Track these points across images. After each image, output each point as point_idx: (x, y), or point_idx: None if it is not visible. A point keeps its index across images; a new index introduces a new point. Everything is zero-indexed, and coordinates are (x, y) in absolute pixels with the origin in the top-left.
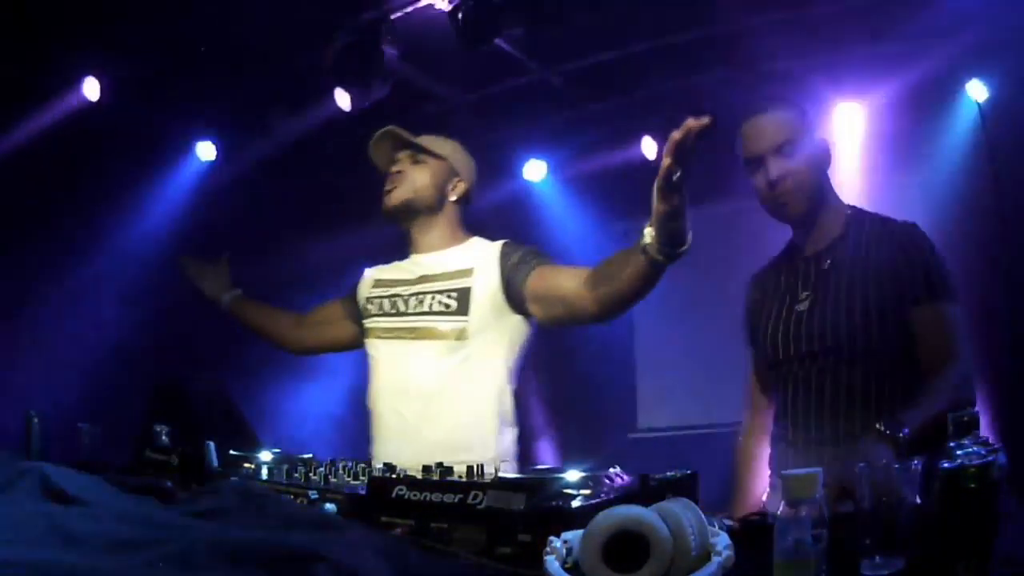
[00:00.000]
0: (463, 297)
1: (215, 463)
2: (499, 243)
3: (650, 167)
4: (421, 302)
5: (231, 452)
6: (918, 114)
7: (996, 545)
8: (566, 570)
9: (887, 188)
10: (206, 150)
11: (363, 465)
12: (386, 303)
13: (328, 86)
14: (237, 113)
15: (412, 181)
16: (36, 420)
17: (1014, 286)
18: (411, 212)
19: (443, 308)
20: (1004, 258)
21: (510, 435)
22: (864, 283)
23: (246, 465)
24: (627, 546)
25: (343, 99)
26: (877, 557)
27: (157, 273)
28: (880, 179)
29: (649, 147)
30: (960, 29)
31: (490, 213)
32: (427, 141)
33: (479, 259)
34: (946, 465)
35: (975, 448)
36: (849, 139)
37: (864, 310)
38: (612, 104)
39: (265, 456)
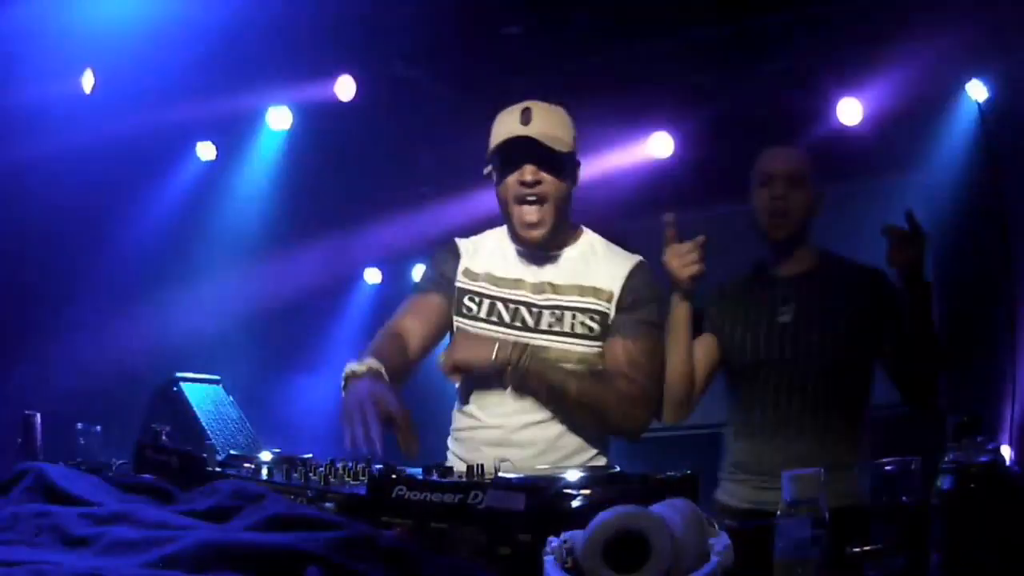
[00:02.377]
0: (604, 322)
1: (215, 463)
2: (628, 265)
3: (650, 167)
4: (559, 320)
5: (231, 452)
6: (918, 113)
7: (996, 545)
8: (566, 570)
9: (887, 188)
10: (206, 150)
11: (363, 465)
12: (502, 309)
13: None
14: (236, 112)
15: (554, 195)
16: (36, 420)
17: (1014, 286)
18: (553, 232)
19: (587, 332)
20: (1004, 258)
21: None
22: (839, 313)
23: (246, 465)
24: (627, 546)
25: (346, 89)
26: (877, 557)
27: (157, 272)
28: (880, 179)
29: (657, 144)
30: (960, 29)
31: (490, 213)
32: (550, 125)
33: (613, 281)
34: (946, 466)
35: (975, 448)
36: (848, 137)
37: (842, 334)
38: (612, 104)
39: (265, 456)
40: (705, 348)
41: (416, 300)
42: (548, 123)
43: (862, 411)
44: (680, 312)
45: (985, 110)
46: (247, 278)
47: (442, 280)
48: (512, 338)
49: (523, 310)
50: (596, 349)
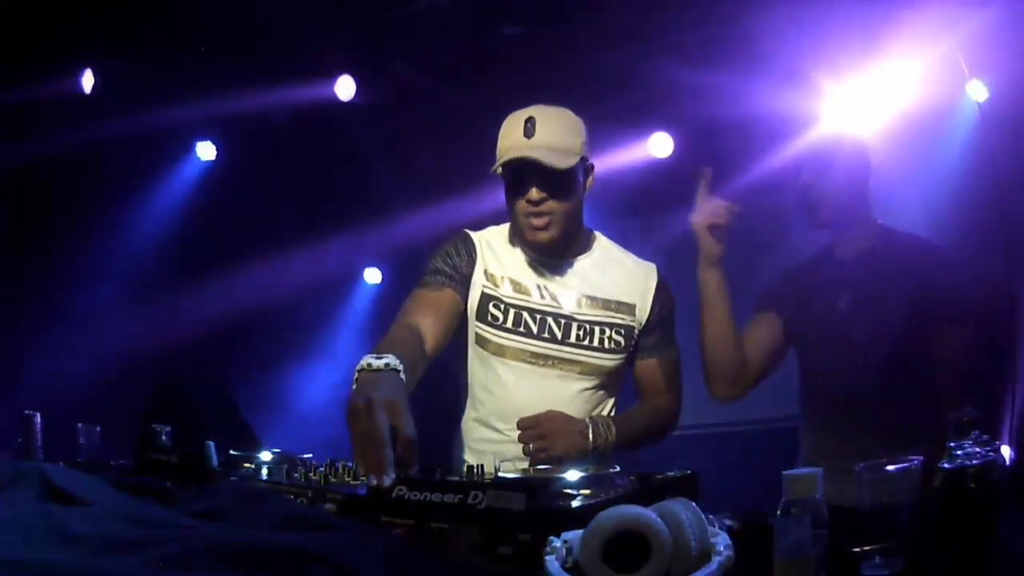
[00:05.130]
0: (629, 336)
1: (215, 463)
2: (654, 279)
3: (650, 168)
4: (589, 334)
5: (231, 452)
6: (918, 114)
7: (996, 545)
8: (566, 570)
9: (887, 188)
10: (206, 150)
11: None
12: (529, 320)
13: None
14: (237, 112)
15: (562, 211)
16: (36, 420)
17: (1014, 286)
18: (562, 238)
19: (614, 346)
20: (1005, 258)
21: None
22: (898, 295)
23: (246, 465)
24: (627, 546)
25: (345, 88)
26: (877, 557)
27: (157, 273)
28: (879, 179)
29: (658, 145)
30: (960, 28)
31: (490, 213)
32: (555, 135)
33: (637, 295)
34: (946, 465)
35: (975, 448)
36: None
37: (900, 318)
38: (612, 104)
39: (265, 456)
40: (768, 327)
41: (429, 295)
42: (553, 132)
43: (927, 397)
44: (713, 282)
45: (985, 110)
46: (247, 278)
47: (456, 275)
48: (542, 350)
49: (551, 321)
50: (619, 362)
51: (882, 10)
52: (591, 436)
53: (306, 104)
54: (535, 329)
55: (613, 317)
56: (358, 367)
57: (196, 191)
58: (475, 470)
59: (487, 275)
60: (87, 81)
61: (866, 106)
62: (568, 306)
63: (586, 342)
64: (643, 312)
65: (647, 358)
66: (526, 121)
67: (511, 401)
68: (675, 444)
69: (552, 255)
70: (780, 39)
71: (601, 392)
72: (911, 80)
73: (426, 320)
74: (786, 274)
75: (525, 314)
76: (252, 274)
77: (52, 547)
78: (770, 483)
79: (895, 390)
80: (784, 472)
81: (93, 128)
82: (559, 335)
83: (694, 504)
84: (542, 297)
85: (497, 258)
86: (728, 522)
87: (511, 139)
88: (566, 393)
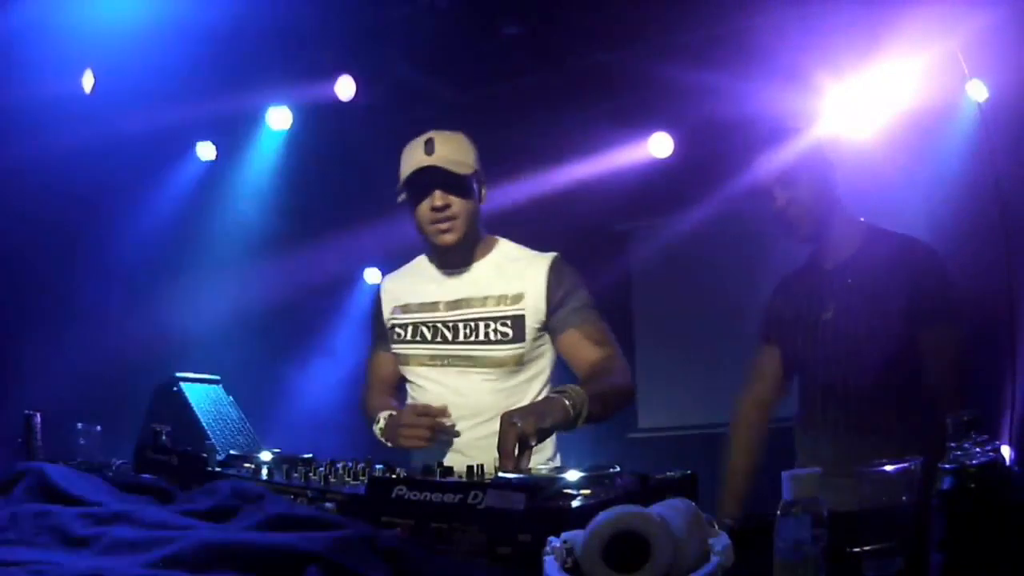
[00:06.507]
0: (518, 325)
1: (215, 463)
2: (545, 265)
3: (650, 168)
4: (475, 330)
5: (231, 452)
6: (918, 114)
7: (995, 545)
8: (566, 570)
9: (887, 188)
10: (206, 150)
11: (363, 465)
12: (424, 330)
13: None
14: (238, 112)
15: (464, 213)
16: (36, 420)
17: (1014, 287)
18: (465, 241)
19: (501, 337)
20: (1005, 258)
21: (552, 445)
22: (883, 299)
23: (246, 465)
24: (627, 546)
25: (346, 88)
26: (877, 557)
27: (158, 273)
28: (879, 179)
29: (657, 144)
30: (960, 28)
31: (491, 213)
32: (452, 151)
33: (527, 283)
34: (946, 466)
35: (975, 448)
36: (849, 137)
37: (884, 325)
38: (612, 104)
39: (265, 456)
40: (770, 359)
41: (374, 361)
42: (450, 149)
43: (916, 400)
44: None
45: (985, 110)
46: (247, 278)
47: (378, 333)
48: (437, 352)
49: (441, 327)
50: (514, 351)
51: (882, 10)
52: (566, 401)
53: (306, 104)
54: (429, 336)
55: (498, 311)
56: (379, 430)
57: (196, 191)
58: (475, 470)
59: (393, 309)
60: (87, 81)
61: (866, 106)
62: (459, 310)
63: (473, 338)
64: (538, 297)
65: (564, 332)
66: (426, 142)
67: (425, 397)
68: (675, 444)
69: (457, 263)
70: (781, 39)
71: (514, 382)
72: (911, 80)
73: (381, 382)
74: (774, 296)
75: (421, 326)
76: (253, 274)
77: (52, 547)
78: (770, 483)
79: (889, 396)
80: (784, 472)
81: (94, 128)
82: (449, 337)
83: (694, 504)
84: (434, 309)
85: (399, 290)
86: (728, 522)
87: (413, 158)
88: (467, 385)
